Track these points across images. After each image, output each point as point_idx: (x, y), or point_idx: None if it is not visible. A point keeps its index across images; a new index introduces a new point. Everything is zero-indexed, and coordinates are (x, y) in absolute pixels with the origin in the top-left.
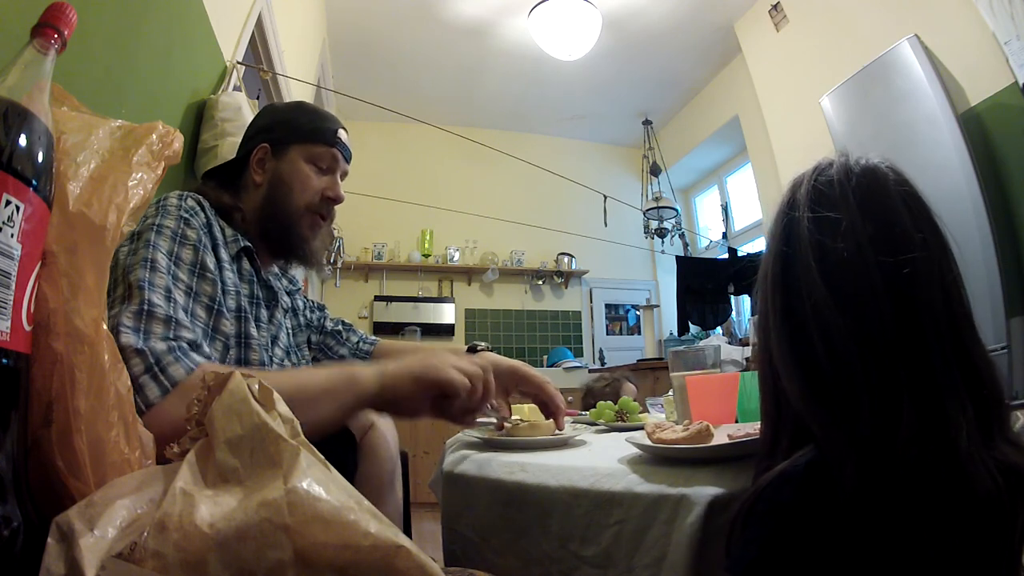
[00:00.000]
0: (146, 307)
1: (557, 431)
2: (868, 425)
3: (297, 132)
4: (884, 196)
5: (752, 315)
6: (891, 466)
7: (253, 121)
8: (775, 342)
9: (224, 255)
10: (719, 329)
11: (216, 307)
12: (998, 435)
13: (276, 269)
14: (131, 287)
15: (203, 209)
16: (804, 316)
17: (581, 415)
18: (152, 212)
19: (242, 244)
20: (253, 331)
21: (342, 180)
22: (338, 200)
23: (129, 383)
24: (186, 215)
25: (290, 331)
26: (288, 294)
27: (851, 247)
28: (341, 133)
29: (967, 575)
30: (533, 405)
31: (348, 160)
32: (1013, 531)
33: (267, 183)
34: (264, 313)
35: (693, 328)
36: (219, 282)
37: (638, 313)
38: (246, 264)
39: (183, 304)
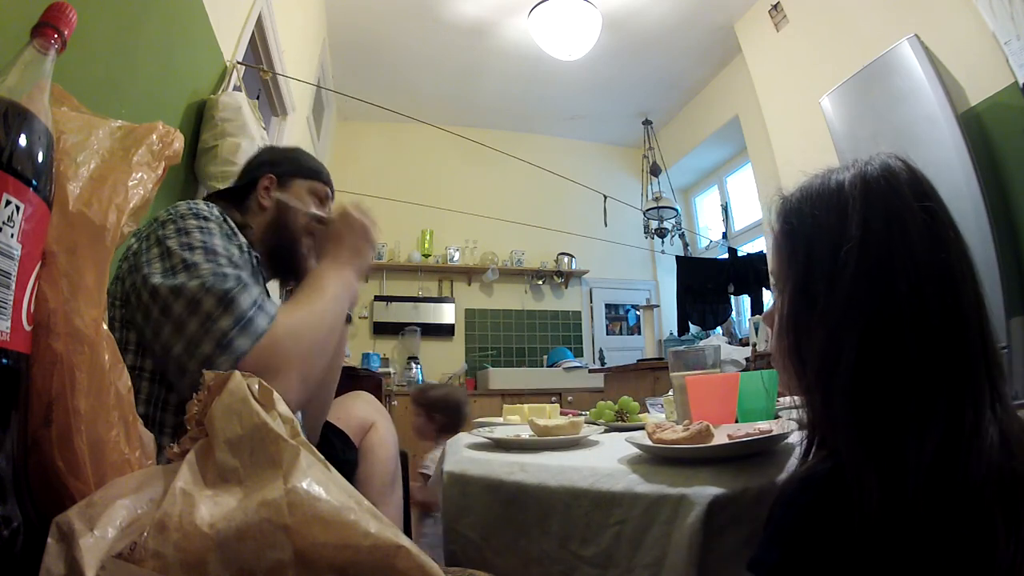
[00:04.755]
0: (218, 270)
1: None
2: (940, 430)
3: (301, 169)
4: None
5: (755, 313)
6: (953, 476)
7: (255, 157)
8: (845, 340)
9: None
10: (719, 329)
11: (264, 288)
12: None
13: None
14: (194, 264)
15: (226, 220)
16: (897, 314)
17: (580, 415)
18: (189, 212)
19: (255, 254)
20: None
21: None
22: None
23: (129, 383)
24: (221, 219)
25: None
26: None
27: (956, 241)
28: (328, 173)
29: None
30: (532, 405)
31: (334, 194)
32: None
33: (274, 208)
34: None
35: (693, 328)
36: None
37: (638, 313)
38: None
39: (246, 272)
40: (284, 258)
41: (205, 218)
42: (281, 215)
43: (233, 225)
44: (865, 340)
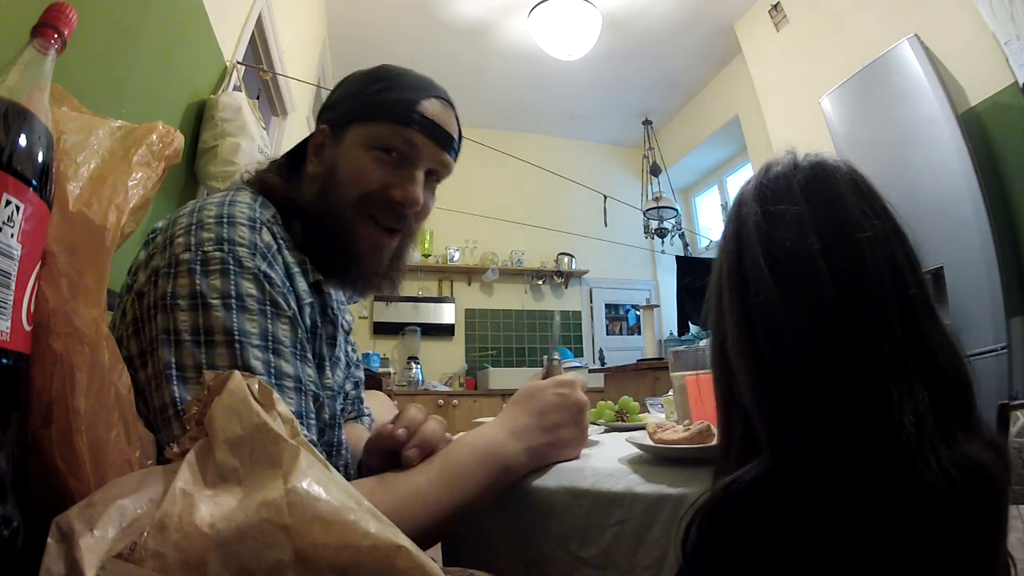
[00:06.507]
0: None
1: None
2: (811, 418)
3: (359, 107)
4: (829, 183)
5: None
6: (834, 461)
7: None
8: (732, 341)
9: (303, 296)
10: None
11: (321, 397)
12: (959, 427)
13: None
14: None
15: (280, 248)
16: (756, 312)
17: None
18: (216, 258)
19: (312, 279)
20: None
21: (440, 175)
22: (408, 202)
23: (129, 383)
24: (266, 269)
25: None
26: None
27: (795, 235)
28: (426, 105)
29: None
30: None
31: (445, 145)
32: (974, 530)
33: (321, 176)
34: (332, 353)
35: (693, 328)
36: (313, 357)
37: (638, 313)
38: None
39: (299, 408)
40: (326, 254)
41: (238, 266)
42: (323, 188)
43: (283, 243)
44: (750, 354)
